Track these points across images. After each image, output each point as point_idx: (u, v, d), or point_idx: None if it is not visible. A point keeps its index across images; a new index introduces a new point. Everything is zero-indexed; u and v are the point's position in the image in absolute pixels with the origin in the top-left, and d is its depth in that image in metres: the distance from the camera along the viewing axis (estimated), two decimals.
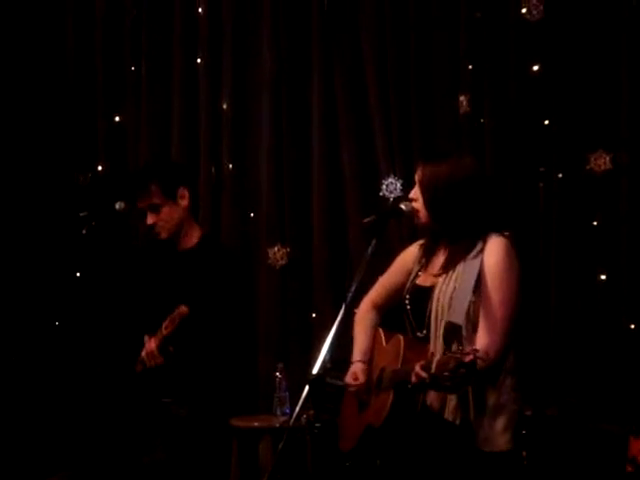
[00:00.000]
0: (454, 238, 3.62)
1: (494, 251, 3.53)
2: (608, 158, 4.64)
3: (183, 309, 4.38)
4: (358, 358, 3.82)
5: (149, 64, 5.74)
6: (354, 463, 3.75)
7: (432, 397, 3.52)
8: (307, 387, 3.31)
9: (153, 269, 4.80)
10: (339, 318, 3.41)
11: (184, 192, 4.67)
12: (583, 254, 4.66)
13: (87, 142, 5.86)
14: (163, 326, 4.43)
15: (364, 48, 5.17)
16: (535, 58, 4.77)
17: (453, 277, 3.56)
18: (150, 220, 4.62)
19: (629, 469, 3.95)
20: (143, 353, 4.53)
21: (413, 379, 3.36)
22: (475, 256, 3.53)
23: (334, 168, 5.27)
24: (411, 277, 3.76)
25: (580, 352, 4.56)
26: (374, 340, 3.85)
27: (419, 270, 3.74)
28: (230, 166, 5.50)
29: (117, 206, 4.96)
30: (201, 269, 4.60)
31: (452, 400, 3.46)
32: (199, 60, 5.61)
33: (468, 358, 3.12)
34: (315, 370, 3.33)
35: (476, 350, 3.15)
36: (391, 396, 3.57)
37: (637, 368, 4.44)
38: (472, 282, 3.47)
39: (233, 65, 5.51)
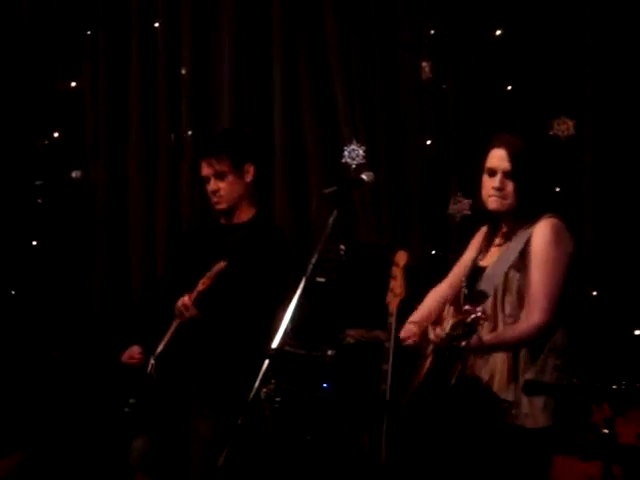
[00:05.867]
0: (524, 217, 3.59)
1: (541, 230, 3.52)
2: (571, 124, 4.62)
3: (221, 264, 4.32)
4: (412, 319, 3.83)
5: (106, 28, 5.62)
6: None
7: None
8: (267, 361, 3.26)
9: (199, 241, 4.70)
10: (300, 290, 3.35)
11: (250, 168, 4.59)
12: None
13: (43, 108, 5.74)
14: (200, 282, 4.37)
15: (326, 14, 5.11)
16: (498, 23, 4.74)
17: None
18: (214, 185, 4.52)
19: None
20: (179, 303, 4.44)
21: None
22: (523, 235, 3.54)
23: (296, 135, 5.21)
24: (472, 259, 3.75)
25: None
26: (441, 314, 3.78)
27: (479, 254, 3.73)
28: (190, 133, 5.42)
29: (74, 175, 4.89)
30: (246, 238, 4.51)
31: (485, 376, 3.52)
32: (157, 24, 5.51)
33: (470, 318, 3.19)
34: (275, 344, 3.28)
35: (479, 310, 3.20)
36: (428, 362, 3.58)
37: None
38: (512, 257, 3.51)
39: (192, 29, 5.42)
